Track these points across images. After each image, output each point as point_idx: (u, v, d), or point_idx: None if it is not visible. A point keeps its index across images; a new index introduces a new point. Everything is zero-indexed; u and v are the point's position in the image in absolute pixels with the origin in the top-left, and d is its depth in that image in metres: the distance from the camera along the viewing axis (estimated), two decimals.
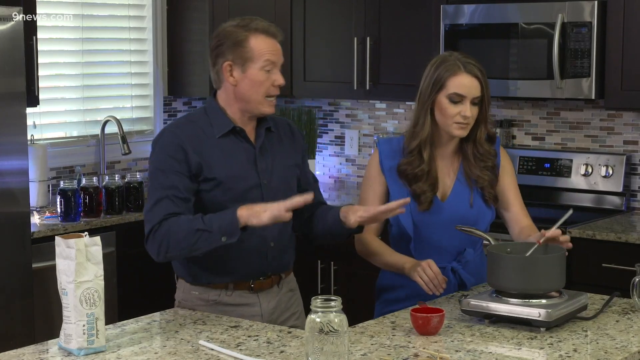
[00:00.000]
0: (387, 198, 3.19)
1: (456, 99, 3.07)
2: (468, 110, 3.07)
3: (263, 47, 2.93)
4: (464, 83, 3.07)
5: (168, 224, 2.87)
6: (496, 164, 3.22)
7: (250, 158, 3.00)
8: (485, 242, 3.06)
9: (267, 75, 2.95)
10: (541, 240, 2.88)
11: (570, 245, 2.94)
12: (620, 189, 4.70)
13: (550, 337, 2.66)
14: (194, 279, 3.03)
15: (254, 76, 2.94)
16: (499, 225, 3.33)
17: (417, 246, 3.17)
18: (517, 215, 3.25)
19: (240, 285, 3.02)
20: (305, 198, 2.82)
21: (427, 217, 3.14)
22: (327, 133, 5.76)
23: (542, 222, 4.39)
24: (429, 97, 3.11)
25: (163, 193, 2.90)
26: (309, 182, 3.17)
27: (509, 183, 3.26)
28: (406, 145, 3.17)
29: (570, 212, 2.94)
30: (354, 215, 2.94)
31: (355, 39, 5.16)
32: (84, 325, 2.50)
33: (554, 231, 2.90)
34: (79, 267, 2.48)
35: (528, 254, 2.86)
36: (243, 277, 3.02)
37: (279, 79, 2.97)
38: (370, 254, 3.21)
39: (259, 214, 2.80)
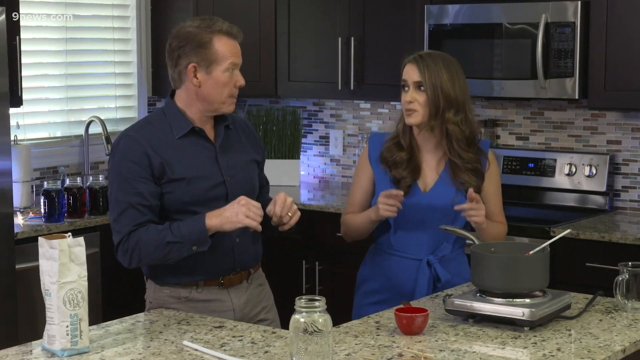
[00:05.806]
0: (374, 187, 3.32)
1: (404, 86, 3.24)
2: (408, 95, 3.21)
3: (227, 50, 2.97)
4: (405, 70, 3.25)
5: (137, 235, 2.88)
6: (481, 167, 3.27)
7: (212, 156, 3.03)
8: (468, 241, 3.08)
9: (230, 77, 2.98)
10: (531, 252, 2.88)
11: None
12: (603, 189, 4.71)
13: (534, 336, 2.66)
14: (163, 280, 3.04)
15: (218, 78, 2.97)
16: None
17: (396, 235, 3.27)
18: (493, 218, 3.31)
19: (210, 282, 3.04)
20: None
21: (406, 204, 3.20)
22: (311, 133, 5.76)
23: (528, 222, 4.41)
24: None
25: (128, 202, 2.90)
26: (262, 185, 3.21)
27: (491, 191, 3.32)
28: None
29: (569, 231, 3.03)
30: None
31: (340, 39, 5.16)
32: (67, 326, 2.49)
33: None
34: (63, 267, 2.47)
35: (533, 251, 2.85)
36: (212, 274, 3.03)
37: (241, 80, 3.02)
38: (345, 226, 3.38)
39: (233, 218, 2.85)
